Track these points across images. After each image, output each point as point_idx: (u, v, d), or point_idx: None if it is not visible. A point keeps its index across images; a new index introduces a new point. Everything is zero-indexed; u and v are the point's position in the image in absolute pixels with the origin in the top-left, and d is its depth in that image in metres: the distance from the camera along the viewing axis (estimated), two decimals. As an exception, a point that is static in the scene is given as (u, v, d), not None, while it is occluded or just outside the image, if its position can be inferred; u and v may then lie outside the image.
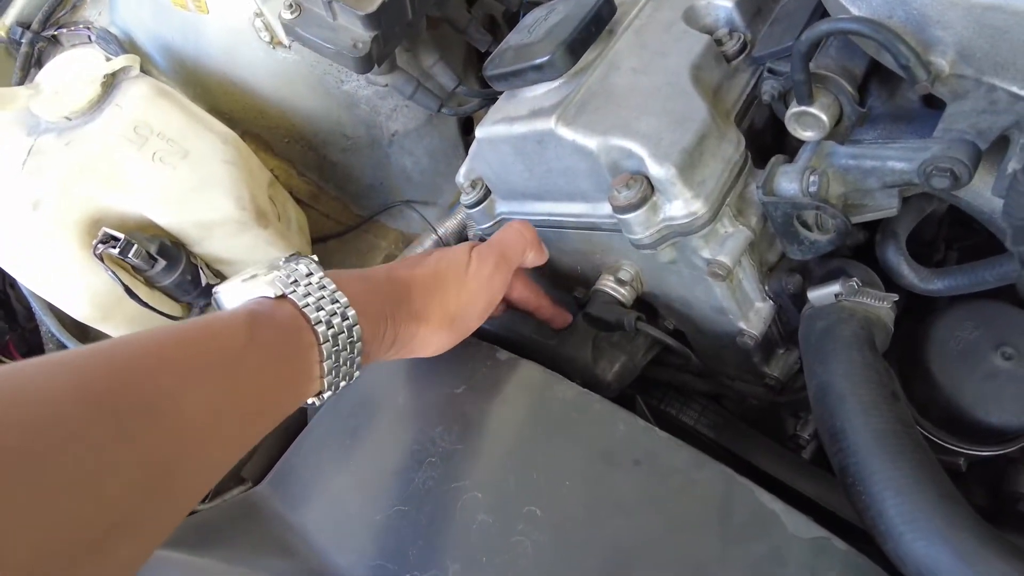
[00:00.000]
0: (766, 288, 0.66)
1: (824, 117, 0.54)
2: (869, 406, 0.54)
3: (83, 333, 0.97)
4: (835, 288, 0.59)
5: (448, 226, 1.10)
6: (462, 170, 0.76)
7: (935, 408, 0.64)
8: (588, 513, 0.50)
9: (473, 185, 0.74)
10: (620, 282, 0.68)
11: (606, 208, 0.61)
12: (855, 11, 0.51)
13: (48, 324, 0.89)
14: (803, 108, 0.54)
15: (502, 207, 0.74)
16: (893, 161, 0.56)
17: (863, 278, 0.61)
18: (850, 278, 0.59)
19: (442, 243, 1.09)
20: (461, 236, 1.11)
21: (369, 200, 1.07)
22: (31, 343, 1.02)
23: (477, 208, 0.75)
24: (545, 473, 0.52)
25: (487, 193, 0.74)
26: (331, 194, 1.04)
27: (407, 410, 0.61)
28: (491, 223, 0.76)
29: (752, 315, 0.66)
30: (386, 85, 0.84)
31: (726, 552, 0.49)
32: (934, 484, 0.49)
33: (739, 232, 0.59)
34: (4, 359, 0.96)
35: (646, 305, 0.73)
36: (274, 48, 0.86)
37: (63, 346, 0.91)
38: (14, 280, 1.04)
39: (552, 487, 0.52)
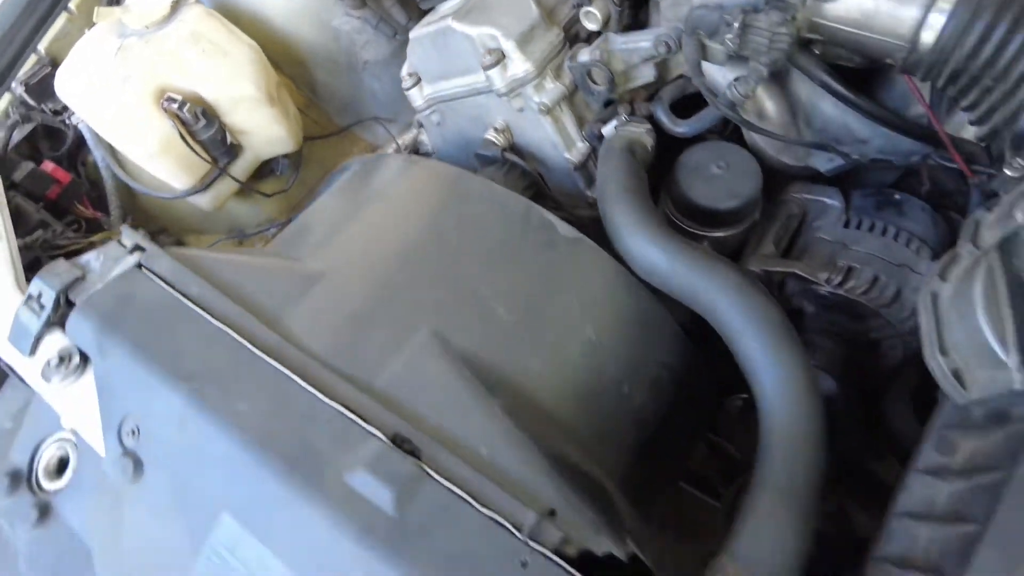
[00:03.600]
0: (583, 133, 1.06)
1: (598, 14, 0.94)
2: (618, 178, 0.94)
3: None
4: (614, 123, 1.00)
5: (406, 139, 1.50)
6: (404, 66, 1.16)
7: (681, 205, 1.03)
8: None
9: (410, 76, 1.15)
10: (497, 131, 1.08)
11: (483, 76, 1.01)
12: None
13: (118, 174, 1.28)
14: (586, 8, 0.94)
15: (427, 89, 1.14)
16: (643, 43, 0.96)
17: (635, 119, 1.01)
18: (622, 116, 0.99)
19: (400, 150, 1.49)
20: (414, 149, 1.51)
21: (347, 114, 1.47)
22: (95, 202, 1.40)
23: (412, 90, 1.15)
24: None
25: (419, 79, 1.15)
26: (319, 107, 1.44)
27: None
28: (422, 102, 1.16)
29: (574, 150, 1.06)
30: (359, 17, 1.25)
31: (523, 237, 0.88)
32: (637, 201, 0.88)
33: (557, 86, 1.00)
34: (81, 208, 1.33)
35: (520, 156, 1.13)
36: (285, -8, 1.27)
37: (126, 191, 1.30)
38: (84, 159, 1.43)
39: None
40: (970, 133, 0.86)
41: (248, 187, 1.32)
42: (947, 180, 1.03)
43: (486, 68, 0.97)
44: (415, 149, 1.50)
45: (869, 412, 1.09)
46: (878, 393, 1.09)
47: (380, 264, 0.88)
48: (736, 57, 0.88)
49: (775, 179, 1.12)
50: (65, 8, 1.33)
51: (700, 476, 1.25)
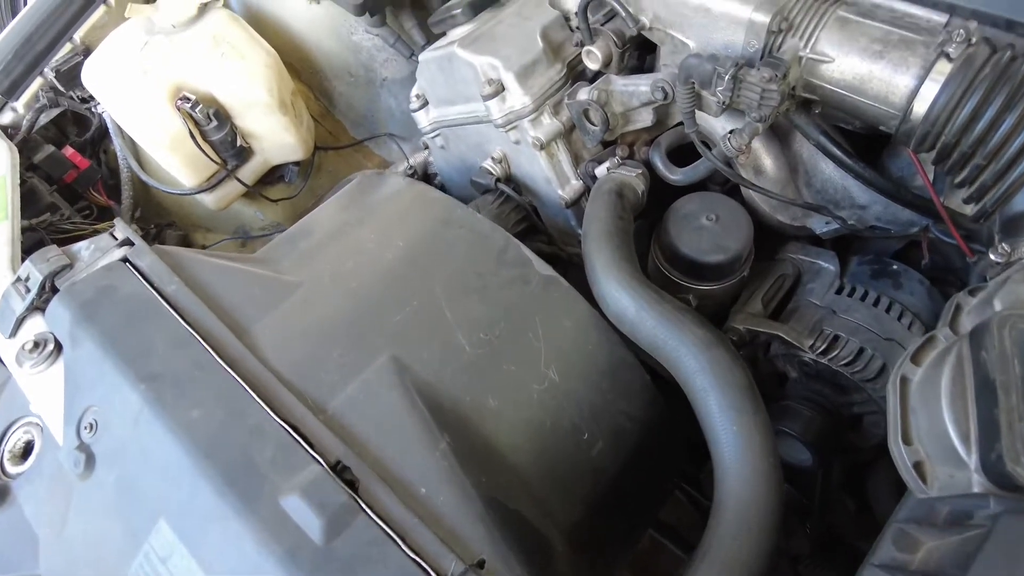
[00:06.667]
0: (579, 171, 1.04)
1: (598, 54, 0.93)
2: (603, 219, 0.92)
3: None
4: (607, 164, 0.98)
5: (418, 158, 1.50)
6: (413, 88, 1.17)
7: (669, 254, 1.00)
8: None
9: (417, 97, 1.15)
10: (495, 161, 1.08)
11: (484, 105, 1.01)
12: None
13: (132, 165, 1.31)
14: (588, 47, 0.93)
15: (433, 112, 1.15)
16: (642, 87, 0.95)
17: (629, 162, 1.00)
18: (616, 158, 0.98)
19: (411, 168, 1.50)
20: (424, 169, 1.51)
21: (363, 128, 1.48)
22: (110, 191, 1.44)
23: (419, 112, 1.15)
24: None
25: (426, 102, 1.15)
26: (335, 117, 1.46)
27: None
28: (428, 124, 1.16)
29: (568, 187, 1.05)
30: (377, 35, 1.26)
31: (498, 271, 0.87)
32: (615, 245, 0.86)
33: (554, 122, 0.99)
34: (96, 194, 1.37)
35: (514, 189, 1.12)
36: (309, 4, 1.29)
37: (141, 183, 1.33)
38: (106, 147, 1.47)
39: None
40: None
41: (254, 191, 1.34)
42: (949, 255, 0.99)
43: (485, 98, 0.97)
44: (425, 169, 1.51)
45: (861, 490, 1.04)
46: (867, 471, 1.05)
47: (353, 283, 0.88)
48: (732, 110, 0.87)
49: (772, 237, 1.10)
50: (103, 1, 1.38)
51: (673, 527, 1.22)
